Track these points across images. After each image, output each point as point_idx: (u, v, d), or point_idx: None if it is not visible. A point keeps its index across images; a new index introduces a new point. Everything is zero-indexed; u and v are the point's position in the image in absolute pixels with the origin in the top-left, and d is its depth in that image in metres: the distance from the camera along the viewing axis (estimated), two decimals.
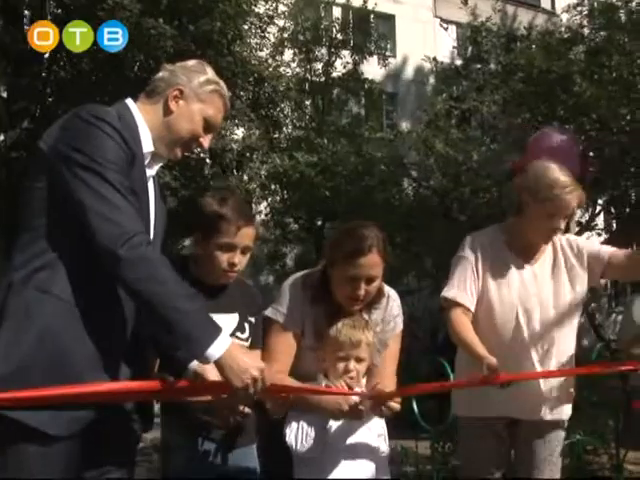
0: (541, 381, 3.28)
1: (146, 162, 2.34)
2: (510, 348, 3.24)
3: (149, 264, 2.11)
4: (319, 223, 17.40)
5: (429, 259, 11.31)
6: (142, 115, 2.36)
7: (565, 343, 3.34)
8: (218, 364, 2.16)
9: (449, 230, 10.96)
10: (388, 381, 2.90)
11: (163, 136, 2.36)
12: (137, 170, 2.27)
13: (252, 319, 2.98)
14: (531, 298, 3.30)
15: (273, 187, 15.91)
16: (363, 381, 2.87)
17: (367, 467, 2.79)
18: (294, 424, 2.76)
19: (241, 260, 2.90)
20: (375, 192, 12.28)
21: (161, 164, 2.47)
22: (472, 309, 3.28)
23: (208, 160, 13.32)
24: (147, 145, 2.33)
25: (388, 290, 3.02)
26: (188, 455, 2.81)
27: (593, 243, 3.61)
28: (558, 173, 3.29)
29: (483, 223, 3.60)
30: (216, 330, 2.17)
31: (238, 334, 2.91)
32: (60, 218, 2.17)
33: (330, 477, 2.72)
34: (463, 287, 3.29)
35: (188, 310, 2.12)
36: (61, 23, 11.41)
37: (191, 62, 2.51)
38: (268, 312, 2.94)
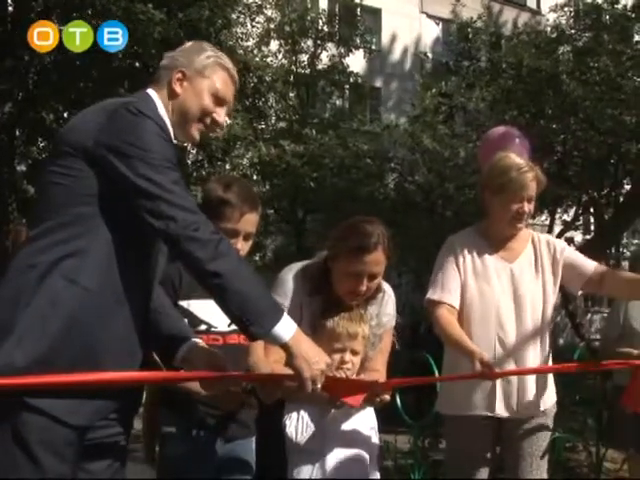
0: (516, 378, 3.31)
1: None
2: (490, 344, 3.28)
3: (226, 244, 2.17)
4: (300, 215, 17.37)
5: (412, 254, 11.33)
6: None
7: (542, 339, 3.38)
8: (287, 350, 2.19)
9: (433, 226, 11.02)
10: (379, 374, 2.89)
11: (175, 121, 2.33)
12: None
13: None
14: (510, 295, 3.33)
15: (255, 177, 15.85)
16: None
17: (363, 458, 2.80)
18: (294, 414, 2.75)
19: (243, 246, 2.90)
20: (360, 186, 12.27)
21: None
22: (457, 307, 3.31)
23: (193, 149, 13.25)
24: (171, 132, 2.31)
25: (385, 286, 3.01)
26: (184, 445, 2.80)
27: (577, 254, 3.56)
28: (509, 158, 3.34)
29: (469, 219, 3.62)
30: (280, 308, 2.24)
31: None
32: (100, 208, 2.14)
33: (327, 467, 2.71)
34: (447, 287, 3.32)
35: (261, 288, 2.19)
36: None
37: (189, 44, 2.50)
38: None
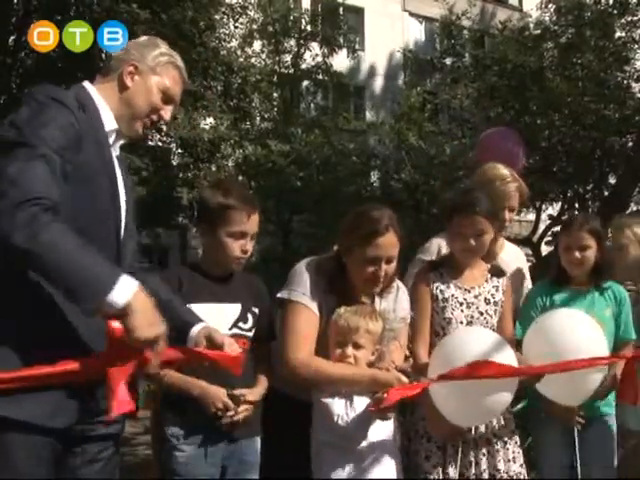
0: None
1: (111, 141, 2.29)
2: None
3: (43, 216, 1.91)
4: (286, 216, 17.35)
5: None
6: (101, 95, 2.31)
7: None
8: (126, 311, 1.93)
9: (419, 224, 11.01)
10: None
11: (122, 114, 2.32)
12: (96, 149, 2.20)
13: (256, 310, 2.97)
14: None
15: (241, 178, 15.81)
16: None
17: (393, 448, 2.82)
18: (337, 398, 2.72)
19: (250, 247, 2.91)
20: (345, 184, 12.27)
21: (122, 142, 2.39)
22: None
23: (179, 150, 13.23)
24: (110, 123, 2.28)
25: (398, 282, 3.03)
26: (187, 446, 2.79)
27: None
28: (496, 168, 3.51)
29: None
30: (116, 273, 1.95)
31: (240, 324, 2.91)
32: None
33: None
34: None
35: (84, 258, 1.93)
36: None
37: (143, 38, 2.50)
38: (284, 294, 2.88)
